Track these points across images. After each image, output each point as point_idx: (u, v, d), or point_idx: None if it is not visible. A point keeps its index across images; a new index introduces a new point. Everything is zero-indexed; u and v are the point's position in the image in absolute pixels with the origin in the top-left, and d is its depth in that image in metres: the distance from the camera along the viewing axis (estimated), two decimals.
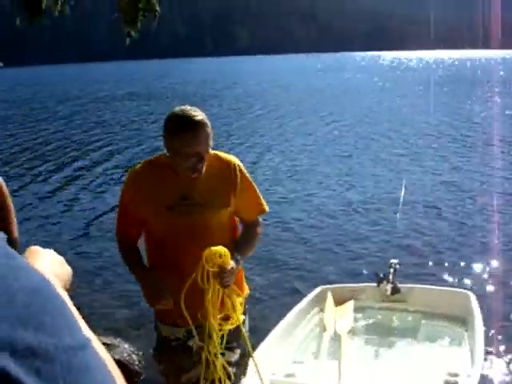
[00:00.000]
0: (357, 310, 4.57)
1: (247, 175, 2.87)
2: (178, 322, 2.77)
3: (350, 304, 4.57)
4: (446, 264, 6.84)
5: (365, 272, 6.39)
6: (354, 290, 4.74)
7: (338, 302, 4.59)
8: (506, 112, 20.87)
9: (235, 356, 2.88)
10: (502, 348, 4.84)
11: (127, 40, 7.57)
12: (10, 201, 3.13)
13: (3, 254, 0.59)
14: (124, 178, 2.91)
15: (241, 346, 2.91)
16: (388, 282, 4.54)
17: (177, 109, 2.67)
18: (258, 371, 2.84)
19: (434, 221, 8.62)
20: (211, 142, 2.66)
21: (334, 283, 5.15)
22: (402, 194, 7.33)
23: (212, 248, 2.59)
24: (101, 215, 9.40)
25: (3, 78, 62.23)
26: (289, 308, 4.50)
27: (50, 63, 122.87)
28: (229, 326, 2.76)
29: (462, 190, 10.39)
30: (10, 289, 0.55)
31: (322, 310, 4.55)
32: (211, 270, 2.59)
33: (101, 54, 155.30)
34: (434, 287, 5.00)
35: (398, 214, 8.47)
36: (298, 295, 5.03)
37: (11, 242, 2.90)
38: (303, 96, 30.72)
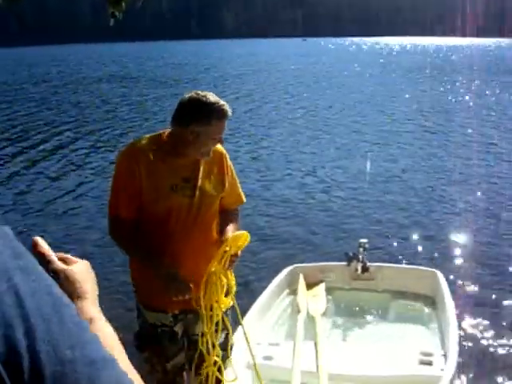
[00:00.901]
0: (328, 290, 4.58)
1: (231, 165, 2.97)
2: (166, 308, 2.79)
3: (322, 286, 4.59)
4: (415, 243, 6.93)
5: (334, 251, 6.40)
6: (325, 269, 4.77)
7: (309, 280, 4.61)
8: (476, 98, 21.14)
9: (221, 338, 2.89)
10: (471, 326, 4.87)
11: (111, 21, 7.43)
12: None
13: (11, 254, 0.56)
14: (120, 153, 2.82)
15: (225, 327, 2.91)
16: (358, 261, 4.61)
17: (203, 95, 2.65)
18: (247, 341, 2.87)
19: (402, 200, 8.75)
20: None
21: (305, 262, 5.16)
22: (368, 170, 7.45)
23: (238, 233, 2.69)
24: (73, 197, 9.29)
25: None
26: (260, 288, 4.49)
27: (33, 44, 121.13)
28: (226, 307, 2.81)
29: (429, 170, 10.53)
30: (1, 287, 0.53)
31: (293, 291, 4.56)
32: (233, 252, 2.65)
33: (85, 35, 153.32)
34: (402, 266, 5.07)
35: (366, 194, 8.71)
36: (269, 274, 5.02)
37: None
38: (280, 80, 30.69)
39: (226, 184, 2.89)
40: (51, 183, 10.31)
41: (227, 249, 2.64)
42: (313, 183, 9.85)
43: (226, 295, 2.79)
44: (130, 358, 2.57)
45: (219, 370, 2.82)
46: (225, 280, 2.71)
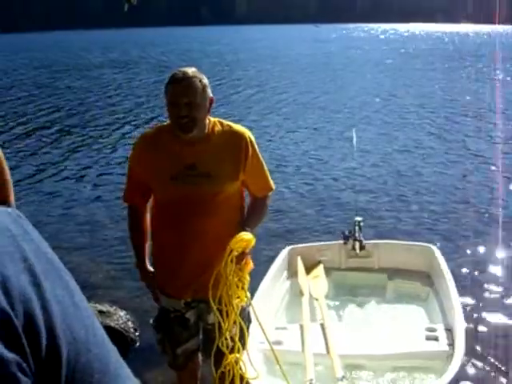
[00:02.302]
0: (326, 271, 4.58)
1: (258, 151, 2.79)
2: (176, 294, 2.82)
3: (321, 267, 4.59)
4: (410, 220, 6.94)
5: (329, 231, 6.40)
6: (322, 249, 4.77)
7: (307, 261, 4.62)
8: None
9: (234, 329, 2.81)
10: (470, 300, 4.87)
11: (125, 6, 7.23)
12: (5, 163, 2.78)
13: (24, 236, 0.57)
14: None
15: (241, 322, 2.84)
16: (355, 239, 4.62)
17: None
18: (258, 322, 2.80)
19: (395, 178, 8.79)
20: (208, 99, 2.64)
21: (300, 243, 5.12)
22: (361, 149, 7.44)
23: (237, 236, 2.57)
24: (80, 184, 9.08)
25: None
26: (259, 271, 4.38)
27: (41, 30, 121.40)
28: (241, 303, 2.76)
29: (423, 148, 10.59)
30: None
31: (292, 273, 4.56)
32: (236, 254, 2.58)
33: (96, 22, 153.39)
34: (398, 242, 5.04)
35: (359, 173, 8.73)
36: (266, 257, 4.98)
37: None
38: (281, 66, 30.32)
39: (243, 169, 2.71)
40: (50, 169, 10.09)
41: (232, 248, 2.59)
42: (306, 164, 9.82)
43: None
44: (147, 338, 3.30)
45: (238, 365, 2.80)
46: (236, 278, 2.66)
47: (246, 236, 2.60)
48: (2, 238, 0.54)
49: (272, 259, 4.54)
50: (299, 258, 4.59)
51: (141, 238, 2.86)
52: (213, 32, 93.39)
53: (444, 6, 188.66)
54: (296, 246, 4.84)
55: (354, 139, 6.37)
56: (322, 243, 4.99)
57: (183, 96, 2.57)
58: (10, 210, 0.60)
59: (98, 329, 0.59)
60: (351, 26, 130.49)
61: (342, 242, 4.69)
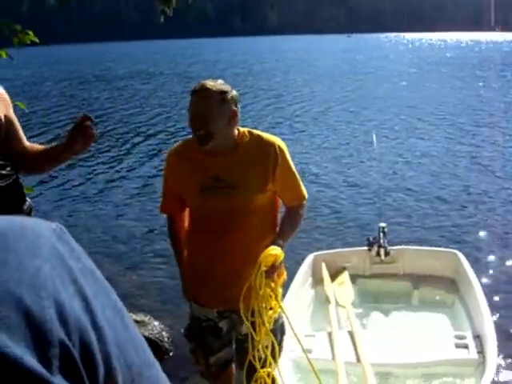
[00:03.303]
0: (351, 277, 4.56)
1: (289, 159, 2.73)
2: (208, 303, 2.79)
3: (346, 274, 4.56)
4: (433, 225, 6.86)
5: (353, 237, 6.36)
6: (346, 255, 4.75)
7: (331, 268, 4.59)
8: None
9: (266, 342, 2.77)
10: (496, 305, 4.76)
11: (161, 18, 7.38)
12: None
13: (70, 254, 0.53)
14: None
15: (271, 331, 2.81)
16: (379, 246, 4.58)
17: None
18: (294, 332, 2.75)
19: (418, 183, 8.73)
20: (228, 110, 2.57)
21: (324, 249, 5.11)
22: (384, 155, 7.41)
23: (266, 250, 2.53)
24: (110, 193, 9.16)
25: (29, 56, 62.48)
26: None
27: (79, 42, 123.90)
28: (274, 315, 2.72)
29: (446, 155, 10.54)
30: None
31: (317, 280, 4.54)
32: (264, 268, 2.54)
33: (130, 33, 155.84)
34: (422, 248, 5.01)
35: (382, 178, 8.71)
36: (290, 264, 4.89)
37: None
38: (306, 76, 30.17)
39: (271, 179, 2.65)
40: (77, 178, 10.12)
41: (261, 262, 2.56)
42: (328, 170, 9.81)
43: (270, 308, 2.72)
44: (179, 347, 3.39)
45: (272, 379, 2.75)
46: (269, 289, 2.61)
47: (274, 250, 2.55)
48: (52, 259, 0.51)
49: (296, 266, 4.49)
50: (324, 265, 4.56)
51: (178, 247, 2.88)
52: (243, 43, 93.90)
53: (473, 15, 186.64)
54: (320, 252, 4.80)
55: (375, 143, 6.33)
56: (347, 249, 4.97)
57: (199, 108, 2.55)
58: (53, 225, 0.55)
59: (146, 348, 0.57)
60: (381, 35, 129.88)
61: (366, 248, 4.66)
